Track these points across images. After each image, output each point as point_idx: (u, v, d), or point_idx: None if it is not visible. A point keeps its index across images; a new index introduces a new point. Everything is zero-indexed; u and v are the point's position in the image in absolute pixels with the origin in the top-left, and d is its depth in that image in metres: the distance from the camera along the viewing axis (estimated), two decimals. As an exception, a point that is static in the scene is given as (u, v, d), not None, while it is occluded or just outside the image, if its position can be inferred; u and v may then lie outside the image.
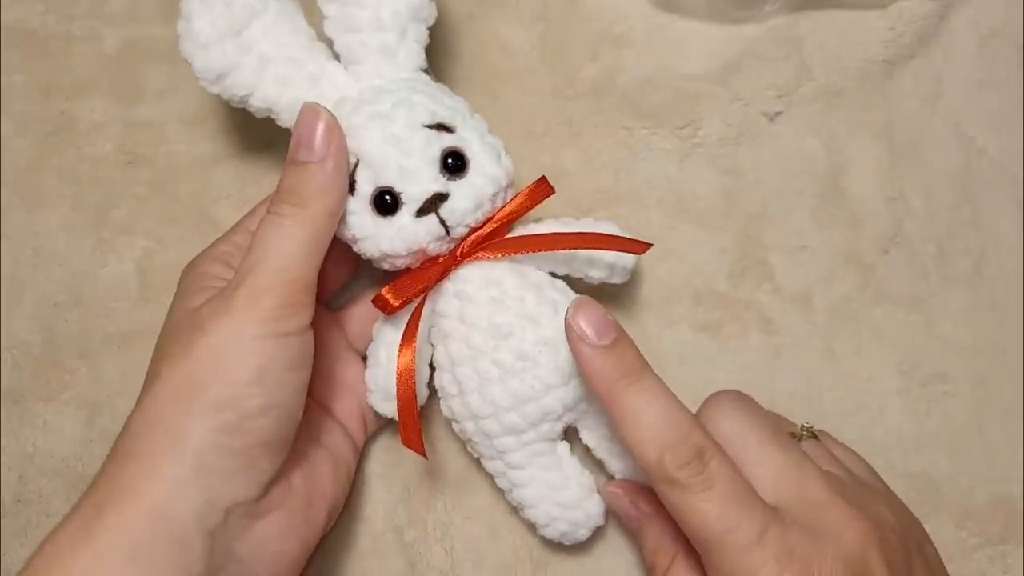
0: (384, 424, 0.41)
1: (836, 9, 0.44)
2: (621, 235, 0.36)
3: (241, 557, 0.32)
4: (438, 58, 0.43)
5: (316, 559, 0.40)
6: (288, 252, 0.32)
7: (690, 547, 0.32)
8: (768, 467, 0.32)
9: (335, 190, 0.34)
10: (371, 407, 0.38)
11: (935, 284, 0.43)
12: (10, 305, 0.43)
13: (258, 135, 0.43)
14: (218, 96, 0.35)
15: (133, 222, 0.43)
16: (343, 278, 0.41)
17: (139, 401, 0.32)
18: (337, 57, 0.36)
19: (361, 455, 0.41)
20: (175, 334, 0.33)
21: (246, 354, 0.31)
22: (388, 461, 0.41)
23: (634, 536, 0.35)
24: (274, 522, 0.33)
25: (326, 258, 0.35)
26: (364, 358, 0.39)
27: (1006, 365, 0.42)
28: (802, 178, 0.43)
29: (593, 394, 0.33)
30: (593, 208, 0.43)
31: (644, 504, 0.36)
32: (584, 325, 0.32)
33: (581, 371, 0.33)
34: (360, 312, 0.40)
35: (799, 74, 0.43)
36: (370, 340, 0.38)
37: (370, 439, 0.41)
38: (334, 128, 0.34)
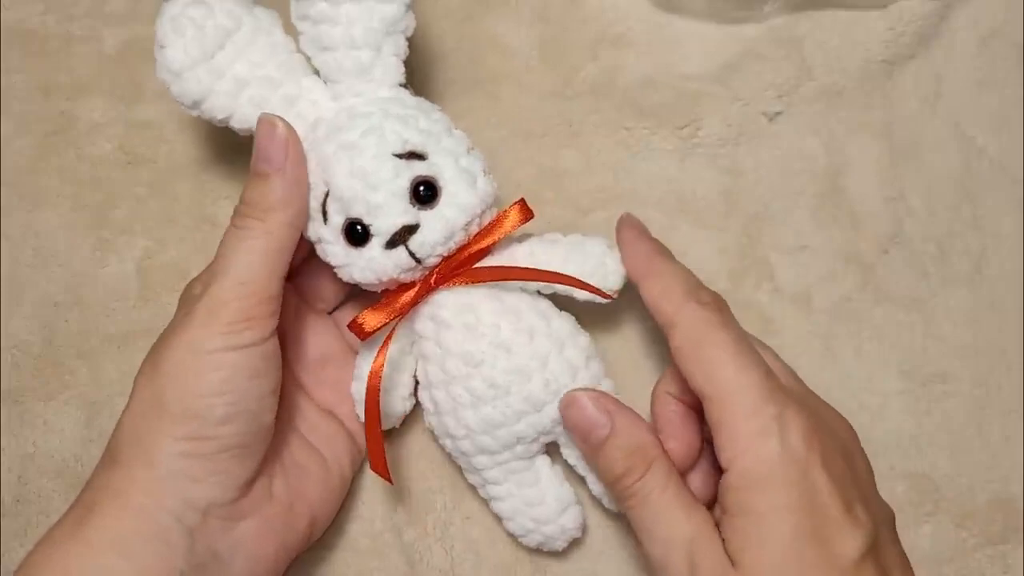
0: (390, 424, 0.41)
1: (836, 9, 0.44)
2: (586, 282, 0.35)
3: (222, 556, 0.33)
4: (437, 59, 0.43)
5: (314, 559, 0.40)
6: (247, 264, 0.33)
7: (664, 455, 0.34)
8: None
9: (294, 201, 0.34)
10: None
11: (935, 284, 0.43)
12: (10, 305, 0.43)
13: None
14: (199, 118, 0.35)
15: (133, 222, 0.43)
16: (345, 289, 0.41)
17: (122, 412, 0.34)
18: (317, 71, 0.36)
19: (362, 456, 0.41)
20: (151, 349, 0.34)
21: (206, 368, 0.32)
22: (388, 461, 0.41)
23: (596, 449, 0.34)
24: (253, 525, 0.34)
25: (328, 271, 0.36)
26: None
27: (1006, 365, 0.42)
28: (802, 178, 0.43)
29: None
30: (593, 208, 0.43)
31: (618, 411, 0.35)
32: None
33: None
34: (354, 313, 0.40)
35: (799, 74, 0.43)
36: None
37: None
38: (290, 138, 0.34)
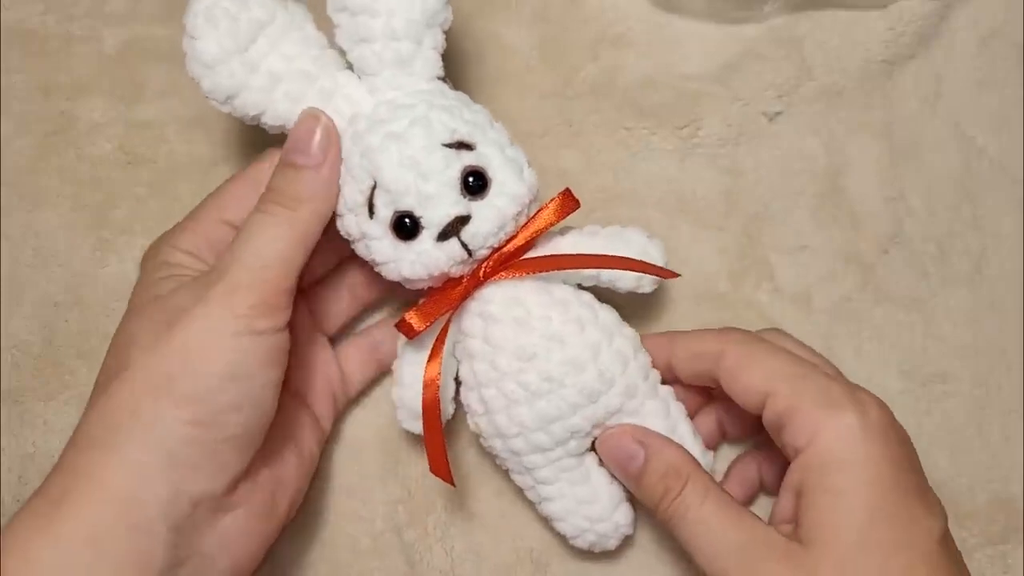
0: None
1: (836, 9, 0.44)
2: (647, 261, 0.36)
3: (204, 551, 0.32)
4: (438, 58, 0.43)
5: (314, 559, 0.40)
6: (272, 252, 0.32)
7: (699, 470, 0.35)
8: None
9: (327, 196, 0.34)
10: (342, 388, 0.39)
11: (935, 284, 0.43)
12: (10, 305, 0.43)
13: (258, 135, 0.42)
14: (230, 115, 0.34)
15: (133, 222, 0.43)
16: (323, 269, 0.40)
17: (104, 388, 0.32)
18: (350, 66, 0.35)
19: (356, 454, 0.41)
20: (146, 323, 0.32)
21: (221, 350, 0.31)
22: (388, 462, 0.41)
23: (635, 479, 0.35)
24: (239, 517, 0.33)
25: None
26: (331, 339, 0.39)
27: (1006, 365, 0.42)
28: (802, 178, 0.43)
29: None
30: (593, 208, 0.43)
31: (650, 438, 0.36)
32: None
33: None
34: (326, 293, 0.40)
35: (799, 74, 0.43)
36: (337, 320, 0.39)
37: (368, 440, 0.41)
38: (332, 135, 0.34)
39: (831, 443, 0.31)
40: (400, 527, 0.41)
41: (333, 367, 0.40)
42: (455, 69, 0.43)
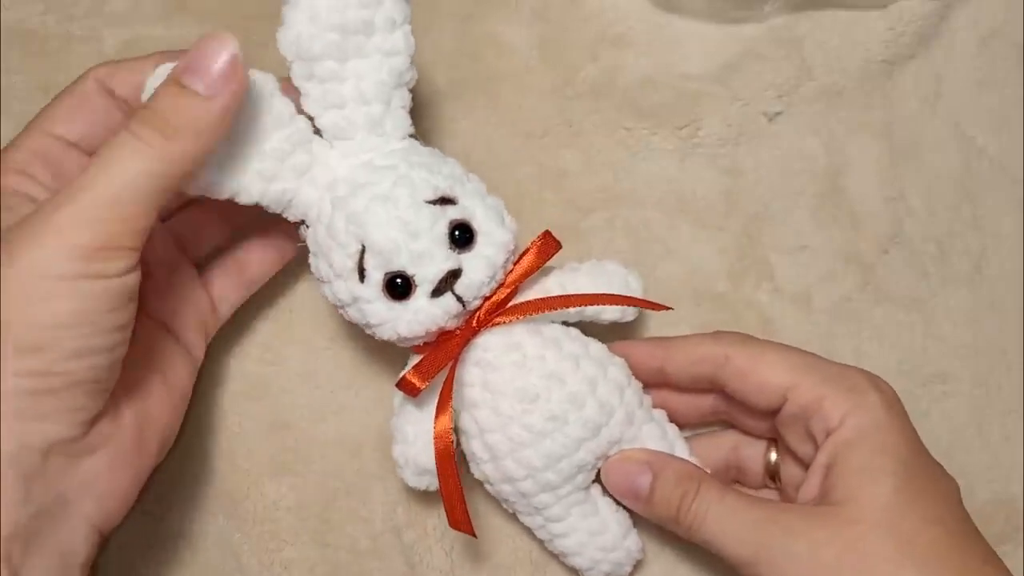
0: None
1: (836, 9, 0.44)
2: (639, 297, 0.37)
3: (67, 496, 0.29)
4: (437, 59, 0.43)
5: (313, 559, 0.40)
6: (130, 184, 0.28)
7: (708, 474, 0.36)
8: None
9: (213, 135, 0.29)
10: (212, 315, 0.38)
11: (935, 284, 0.43)
12: (10, 305, 0.43)
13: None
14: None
15: (133, 222, 0.43)
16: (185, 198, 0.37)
17: None
18: (318, 132, 0.34)
19: (356, 454, 0.41)
20: None
21: (55, 295, 0.27)
22: (387, 463, 0.41)
23: (646, 498, 0.35)
24: (102, 458, 0.30)
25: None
26: (198, 265, 0.38)
27: (1006, 365, 0.42)
28: (802, 178, 0.43)
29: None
30: (593, 208, 0.43)
31: (653, 456, 0.36)
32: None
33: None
34: (189, 217, 0.38)
35: (799, 74, 0.43)
36: (206, 245, 0.38)
37: (369, 440, 0.41)
38: (238, 68, 0.29)
39: (863, 419, 0.33)
40: (399, 528, 0.41)
41: (201, 294, 0.37)
42: (455, 70, 0.44)
